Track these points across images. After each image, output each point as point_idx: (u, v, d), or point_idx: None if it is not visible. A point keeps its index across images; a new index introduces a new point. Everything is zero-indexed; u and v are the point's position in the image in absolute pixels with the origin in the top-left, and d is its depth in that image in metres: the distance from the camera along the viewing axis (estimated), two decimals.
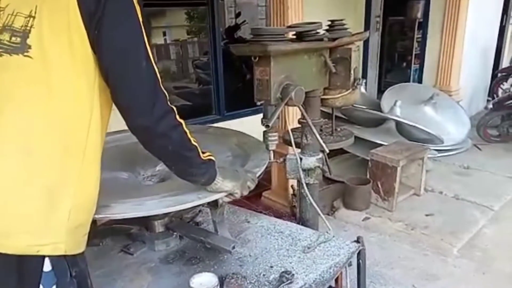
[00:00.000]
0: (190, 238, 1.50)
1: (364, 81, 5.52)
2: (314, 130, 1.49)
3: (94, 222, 1.60)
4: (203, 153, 1.13)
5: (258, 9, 7.15)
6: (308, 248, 1.46)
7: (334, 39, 1.50)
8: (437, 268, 2.32)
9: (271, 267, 1.37)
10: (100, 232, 1.55)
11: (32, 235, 0.91)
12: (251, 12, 7.07)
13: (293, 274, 1.30)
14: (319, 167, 1.65)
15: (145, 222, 1.52)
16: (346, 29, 1.66)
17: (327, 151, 1.57)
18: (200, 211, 1.72)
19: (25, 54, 0.92)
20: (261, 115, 1.47)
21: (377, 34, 5.71)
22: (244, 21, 6.27)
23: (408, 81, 6.20)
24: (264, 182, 3.45)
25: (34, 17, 0.93)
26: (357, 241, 1.85)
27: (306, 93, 1.59)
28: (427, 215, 2.83)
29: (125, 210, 1.16)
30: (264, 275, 1.32)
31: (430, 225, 2.71)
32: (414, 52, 6.56)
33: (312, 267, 1.36)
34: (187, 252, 1.47)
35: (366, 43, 5.68)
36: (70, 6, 0.90)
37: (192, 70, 5.92)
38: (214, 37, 4.41)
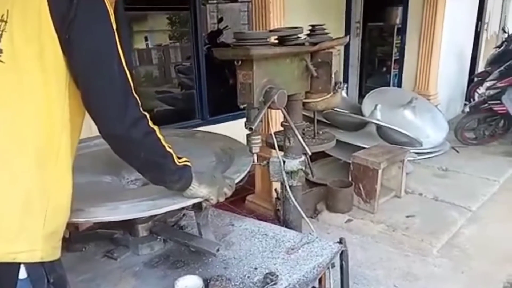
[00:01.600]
0: (174, 242, 1.51)
1: (346, 85, 5.59)
2: (297, 133, 1.51)
3: (76, 227, 1.60)
4: (179, 158, 1.13)
5: (240, 15, 7.19)
6: (292, 249, 1.48)
7: (315, 44, 1.53)
8: (417, 268, 2.37)
9: (256, 268, 1.38)
10: (83, 237, 1.54)
11: (8, 242, 0.90)
12: (233, 18, 7.11)
13: (277, 275, 1.32)
14: (302, 169, 1.68)
15: (129, 226, 1.52)
16: (326, 33, 1.69)
17: (310, 153, 1.59)
18: (184, 214, 1.72)
19: None
20: (244, 120, 1.49)
21: (357, 40, 5.81)
22: (227, 26, 6.29)
23: (388, 85, 6.32)
24: (247, 186, 3.46)
25: (5, 22, 0.92)
26: (340, 242, 1.89)
27: (288, 96, 1.62)
28: (407, 217, 2.89)
29: (99, 214, 1.16)
30: (248, 277, 1.33)
31: (411, 226, 2.76)
32: (393, 58, 6.71)
33: (296, 268, 1.38)
34: (172, 256, 1.47)
35: (347, 48, 5.77)
36: (42, 10, 0.90)
37: (174, 75, 5.89)
38: (197, 42, 4.41)
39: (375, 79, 7.01)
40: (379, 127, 3.86)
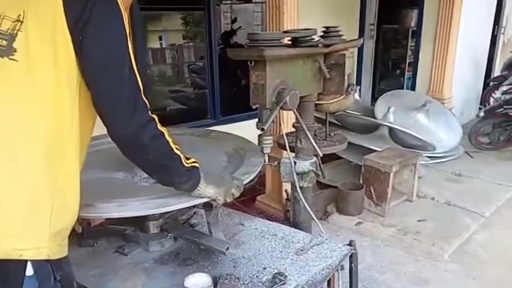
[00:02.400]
0: (184, 239, 1.52)
1: (358, 87, 5.57)
2: (308, 134, 1.52)
3: (88, 223, 1.63)
4: (188, 159, 1.14)
5: (254, 15, 7.20)
6: (301, 250, 1.48)
7: (328, 45, 1.54)
8: (428, 273, 2.35)
9: (264, 268, 1.38)
10: (95, 232, 1.57)
11: (15, 239, 0.92)
12: (247, 18, 7.12)
13: (286, 276, 1.32)
14: (312, 171, 1.68)
15: (140, 223, 1.53)
16: (340, 35, 1.69)
17: (321, 155, 1.59)
18: (195, 213, 1.73)
19: (11, 57, 0.93)
20: (255, 120, 1.50)
21: (371, 42, 5.78)
22: (240, 26, 6.32)
23: (402, 88, 6.28)
24: (258, 186, 3.47)
25: (21, 22, 0.94)
26: (349, 244, 1.88)
27: (300, 98, 1.63)
28: (419, 221, 2.86)
29: (107, 210, 1.18)
30: (257, 276, 1.34)
31: (422, 230, 2.74)
32: (407, 60, 6.65)
33: (305, 269, 1.38)
34: (182, 253, 1.48)
35: (360, 50, 5.74)
36: (57, 11, 0.92)
37: (187, 75, 5.93)
38: (210, 42, 4.44)
39: (389, 82, 6.97)
40: (391, 130, 3.83)
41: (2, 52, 0.93)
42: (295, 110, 1.47)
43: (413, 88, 5.39)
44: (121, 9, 0.97)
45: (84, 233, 1.54)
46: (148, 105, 1.01)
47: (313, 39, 1.54)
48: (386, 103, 4.30)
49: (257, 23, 7.03)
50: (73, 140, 0.99)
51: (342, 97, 1.66)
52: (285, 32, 1.47)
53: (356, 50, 5.76)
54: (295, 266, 1.39)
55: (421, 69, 5.16)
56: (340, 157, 3.86)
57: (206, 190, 1.19)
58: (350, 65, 1.67)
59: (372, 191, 2.96)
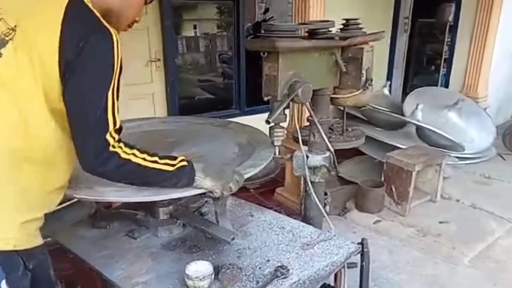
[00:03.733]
0: (192, 227, 1.54)
1: (389, 83, 5.42)
2: (320, 128, 1.49)
3: (106, 206, 1.67)
4: (174, 159, 1.17)
5: (288, 6, 7.13)
6: (307, 245, 1.47)
7: (345, 38, 1.50)
8: (445, 277, 2.28)
9: (268, 261, 1.38)
10: (108, 215, 1.61)
11: None
12: (281, 9, 7.06)
13: (288, 269, 1.31)
14: (324, 165, 1.66)
15: (150, 208, 1.57)
16: (360, 28, 1.65)
17: (332, 150, 1.56)
18: (206, 201, 1.75)
19: None
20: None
21: (405, 36, 5.60)
22: (272, 17, 6.27)
23: (436, 85, 6.06)
24: (278, 178, 3.46)
25: (15, 32, 0.99)
26: (361, 242, 1.85)
27: (314, 91, 1.60)
28: (440, 222, 2.77)
29: (103, 195, 1.22)
30: (260, 268, 1.34)
31: (443, 232, 2.65)
32: (443, 56, 6.41)
33: (309, 264, 1.36)
34: (189, 240, 1.50)
35: (392, 44, 5.58)
36: (52, 44, 0.96)
37: (219, 64, 5.97)
38: (238, 32, 4.45)
39: (423, 78, 6.74)
40: (419, 128, 3.71)
41: None
42: (307, 103, 1.45)
43: (446, 85, 5.19)
44: (114, 42, 1.00)
45: (97, 215, 1.60)
46: (116, 137, 1.05)
47: (330, 31, 1.50)
48: (416, 99, 4.17)
49: (290, 13, 6.96)
50: (44, 144, 1.04)
51: (359, 92, 1.62)
52: (301, 23, 1.43)
53: (388, 44, 5.62)
54: (299, 260, 1.38)
55: (455, 66, 4.95)
56: (364, 153, 3.79)
57: (203, 182, 1.21)
58: (369, 59, 1.62)
59: (393, 189, 2.89)
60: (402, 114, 4.12)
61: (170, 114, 4.17)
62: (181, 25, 5.61)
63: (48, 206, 1.11)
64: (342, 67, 1.53)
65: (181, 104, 4.46)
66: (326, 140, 1.52)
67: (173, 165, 1.15)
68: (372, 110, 4.02)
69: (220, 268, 1.30)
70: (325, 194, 3.02)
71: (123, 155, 1.06)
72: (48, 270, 1.10)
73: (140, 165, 1.09)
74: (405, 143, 3.36)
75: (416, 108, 3.74)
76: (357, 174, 3.69)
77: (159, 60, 4.04)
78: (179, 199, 1.60)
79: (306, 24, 1.43)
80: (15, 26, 0.99)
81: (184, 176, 1.18)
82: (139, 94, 4.06)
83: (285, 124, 1.54)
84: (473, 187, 3.37)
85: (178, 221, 1.56)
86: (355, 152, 3.89)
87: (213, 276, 1.24)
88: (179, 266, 1.35)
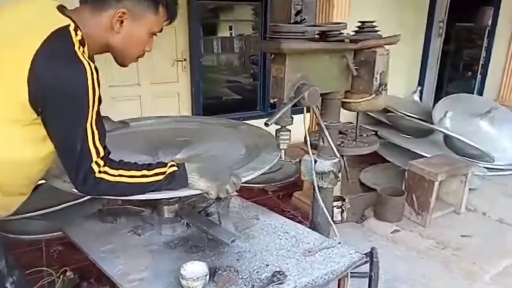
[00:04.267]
0: (195, 227, 1.54)
1: (419, 88, 5.26)
2: (326, 133, 1.46)
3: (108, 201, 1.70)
4: (164, 166, 1.18)
5: None
6: (309, 251, 1.44)
7: (357, 41, 1.45)
8: None
9: (267, 265, 1.36)
10: (114, 211, 1.64)
11: None
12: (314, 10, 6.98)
13: (285, 275, 1.29)
14: (333, 171, 1.62)
15: (156, 206, 1.58)
16: (376, 31, 1.60)
17: (338, 156, 1.52)
18: (214, 202, 1.74)
19: None
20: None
21: (439, 40, 5.40)
22: (304, 19, 6.22)
23: (472, 92, 5.82)
24: (298, 182, 3.42)
25: None
26: (370, 252, 1.79)
27: (324, 94, 1.57)
28: (463, 236, 2.65)
29: None
30: (257, 272, 1.32)
31: (464, 246, 2.53)
32: (481, 62, 6.14)
33: (308, 271, 1.33)
34: (191, 240, 1.50)
35: (426, 49, 5.41)
36: (21, 76, 1.00)
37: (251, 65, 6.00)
38: (265, 33, 4.44)
39: (458, 84, 6.49)
40: (446, 136, 3.57)
41: None
42: (314, 107, 1.42)
43: (481, 92, 4.97)
44: (88, 75, 1.03)
45: (104, 210, 1.63)
46: (101, 164, 1.10)
47: (341, 33, 1.47)
48: (447, 107, 4.02)
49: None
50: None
51: (372, 96, 1.57)
52: (310, 25, 1.41)
53: (421, 48, 5.45)
54: (299, 267, 1.35)
55: (491, 72, 4.73)
56: (388, 161, 3.69)
57: (198, 183, 1.20)
58: (384, 64, 1.57)
59: (414, 199, 2.79)
60: (431, 121, 3.99)
61: (194, 114, 4.23)
62: (218, 26, 5.67)
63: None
64: (353, 71, 1.49)
65: (207, 104, 4.50)
66: (332, 145, 1.48)
67: (163, 173, 1.17)
68: (398, 116, 3.91)
69: (217, 270, 1.29)
70: (343, 200, 2.96)
71: (110, 178, 1.11)
72: None
73: (129, 183, 1.13)
74: (430, 152, 3.24)
75: (445, 115, 3.61)
76: (380, 181, 3.60)
77: (185, 60, 4.10)
78: (187, 198, 1.61)
79: (315, 26, 1.40)
80: None
81: (175, 181, 1.18)
82: (165, 93, 4.14)
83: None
84: (503, 200, 3.20)
85: (182, 220, 1.56)
86: (381, 159, 3.80)
87: (207, 277, 1.23)
88: (178, 265, 1.34)
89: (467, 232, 2.69)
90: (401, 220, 2.82)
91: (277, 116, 1.31)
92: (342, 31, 1.48)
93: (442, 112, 3.76)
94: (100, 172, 1.09)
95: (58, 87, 1.02)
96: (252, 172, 1.33)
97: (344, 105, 1.63)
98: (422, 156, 3.14)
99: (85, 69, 1.03)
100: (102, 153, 1.09)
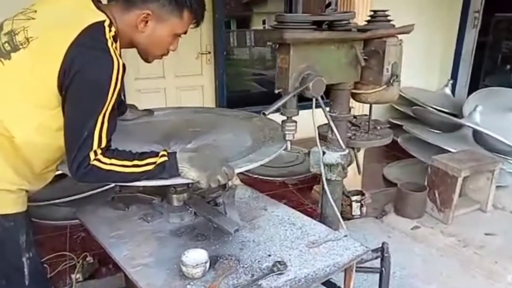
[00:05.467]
0: (201, 216, 1.56)
1: (451, 81, 5.06)
2: (332, 125, 1.44)
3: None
4: (156, 156, 1.21)
5: None
6: (313, 243, 1.43)
7: (365, 30, 1.42)
8: None
9: (269, 255, 1.36)
10: (125, 198, 1.69)
11: None
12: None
13: (286, 266, 1.29)
14: (341, 164, 1.59)
15: (165, 194, 1.62)
16: (389, 21, 1.56)
17: (344, 147, 1.50)
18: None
19: (2, 59, 1.13)
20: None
21: (473, 32, 5.17)
22: (335, 10, 6.11)
23: (511, 86, 5.55)
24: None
25: (29, 42, 1.11)
26: (381, 247, 1.76)
27: (332, 85, 1.55)
28: (486, 234, 2.54)
29: None
30: (259, 261, 1.33)
31: (487, 245, 2.43)
32: None
33: (310, 262, 1.33)
34: (197, 229, 1.53)
35: (459, 41, 5.19)
36: (56, 60, 1.08)
37: None
38: None
39: (496, 78, 6.19)
40: (475, 131, 3.43)
41: (2, 53, 1.13)
42: (319, 98, 1.40)
43: None
44: (114, 70, 1.10)
45: (115, 198, 1.69)
46: (92, 155, 1.13)
47: (349, 23, 1.44)
48: (477, 101, 3.86)
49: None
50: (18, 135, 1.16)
51: (382, 88, 1.54)
52: (315, 14, 1.38)
53: (454, 40, 5.23)
54: (301, 258, 1.35)
55: None
56: (414, 156, 3.59)
57: (189, 173, 1.22)
58: (396, 54, 1.53)
59: (437, 195, 2.70)
60: (462, 115, 3.84)
61: (218, 106, 4.26)
62: (251, 19, 5.68)
63: (21, 184, 1.22)
64: (361, 61, 1.45)
65: (231, 96, 4.52)
66: (338, 136, 1.46)
67: (154, 163, 1.19)
68: (424, 110, 3.79)
69: (218, 258, 1.32)
70: (363, 194, 2.92)
71: (102, 166, 1.14)
72: (16, 236, 1.23)
73: (120, 172, 1.17)
74: (458, 147, 3.13)
75: (474, 109, 3.46)
76: (405, 177, 3.52)
77: (209, 53, 4.14)
78: (197, 187, 1.63)
79: (321, 15, 1.38)
80: (33, 37, 1.12)
81: (165, 171, 1.21)
82: (189, 86, 4.20)
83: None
84: None
85: (190, 209, 1.59)
86: (407, 154, 3.71)
87: (207, 264, 1.25)
88: (181, 252, 1.37)
89: (491, 231, 2.58)
90: (422, 217, 2.74)
91: (275, 106, 1.31)
92: (351, 21, 1.45)
93: (472, 106, 3.61)
94: (94, 159, 1.13)
95: (84, 73, 1.08)
96: (249, 164, 1.32)
97: (354, 96, 1.61)
98: (449, 151, 3.03)
99: (113, 63, 1.10)
100: (103, 145, 1.14)
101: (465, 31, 5.16)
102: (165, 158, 1.20)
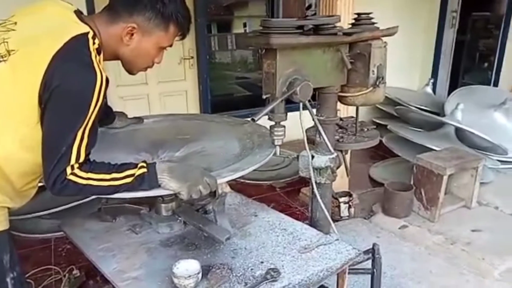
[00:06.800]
0: (191, 225, 1.54)
1: (432, 80, 5.15)
2: (320, 128, 1.44)
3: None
4: (135, 167, 1.17)
5: None
6: (305, 248, 1.42)
7: (350, 34, 1.42)
8: None
9: (262, 262, 1.35)
10: (112, 209, 1.65)
11: None
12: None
13: (279, 273, 1.28)
14: (330, 167, 1.59)
15: (153, 204, 1.59)
16: (372, 23, 1.56)
17: (332, 151, 1.50)
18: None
19: None
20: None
21: (452, 31, 5.27)
22: (314, 13, 6.15)
23: (489, 83, 5.68)
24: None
25: (10, 55, 1.09)
26: (372, 248, 1.77)
27: (320, 89, 1.55)
28: (473, 231, 2.59)
29: None
30: (252, 269, 1.31)
31: (474, 241, 2.47)
32: (497, 52, 5.98)
33: (303, 268, 1.32)
34: (188, 238, 1.50)
35: (438, 40, 5.29)
36: (38, 73, 1.04)
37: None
38: None
39: (474, 76, 6.33)
40: (458, 129, 3.49)
41: None
42: (307, 102, 1.39)
43: (496, 83, 4.84)
44: (97, 83, 1.07)
45: (102, 209, 1.65)
46: (68, 169, 1.10)
47: (335, 27, 1.44)
48: (458, 99, 3.94)
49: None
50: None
51: (369, 90, 1.54)
52: (300, 18, 1.38)
53: (433, 39, 5.32)
54: (294, 264, 1.34)
55: (506, 62, 4.61)
56: (399, 155, 3.63)
57: (169, 184, 1.19)
58: (381, 56, 1.53)
59: (423, 193, 2.73)
60: (444, 114, 3.91)
61: (202, 111, 4.24)
62: (231, 23, 5.66)
63: (2, 201, 1.18)
64: (347, 64, 1.45)
65: (215, 101, 4.50)
66: (326, 140, 1.45)
67: (132, 175, 1.16)
68: (407, 109, 3.85)
69: (210, 268, 1.29)
70: (351, 195, 2.93)
71: (79, 181, 1.11)
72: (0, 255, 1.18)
73: (97, 186, 1.13)
74: (441, 145, 3.17)
75: (456, 107, 3.52)
76: (390, 176, 3.55)
77: (192, 57, 4.11)
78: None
79: (306, 19, 1.37)
80: (14, 50, 1.09)
81: (145, 183, 1.18)
82: (172, 91, 4.16)
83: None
84: None
85: (179, 218, 1.57)
86: (392, 154, 3.74)
87: (200, 275, 1.23)
88: (172, 263, 1.34)
89: (477, 227, 2.63)
90: (410, 216, 2.77)
91: (264, 112, 1.29)
92: (336, 24, 1.45)
93: (453, 105, 3.68)
94: (70, 174, 1.10)
95: (65, 86, 1.05)
96: (233, 174, 1.29)
97: (341, 99, 1.60)
98: (433, 150, 3.08)
99: (96, 77, 1.07)
100: (81, 159, 1.10)
101: (443, 31, 5.26)
102: (144, 170, 1.17)
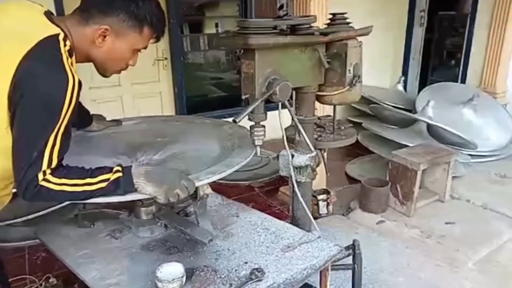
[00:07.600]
0: (172, 228, 1.52)
1: (403, 78, 5.29)
2: (300, 128, 1.45)
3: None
4: (110, 171, 1.14)
5: None
6: (288, 247, 1.43)
7: (326, 34, 1.44)
8: (446, 280, 2.19)
9: (246, 263, 1.35)
10: (90, 215, 1.61)
11: None
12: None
13: (264, 272, 1.28)
14: (310, 165, 1.61)
15: (133, 208, 1.56)
16: (347, 23, 1.59)
17: (312, 150, 1.52)
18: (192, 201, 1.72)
19: None
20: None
21: (421, 30, 5.42)
22: (287, 13, 6.18)
23: (456, 80, 5.88)
24: (284, 177, 3.41)
25: None
26: (352, 244, 1.80)
27: (298, 89, 1.56)
28: (447, 223, 2.67)
29: None
30: (236, 270, 1.31)
31: (448, 234, 2.55)
32: (464, 50, 6.19)
33: (287, 266, 1.33)
34: (169, 241, 1.48)
35: (408, 39, 5.43)
36: (5, 81, 1.01)
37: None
38: None
39: (442, 73, 6.53)
40: (430, 125, 3.60)
41: None
42: (286, 102, 1.40)
43: (463, 80, 5.01)
44: (69, 86, 1.04)
45: (79, 215, 1.61)
46: (45, 173, 1.06)
47: (311, 27, 1.45)
48: (429, 96, 4.05)
49: None
50: None
51: (346, 89, 1.57)
52: (278, 18, 1.39)
53: (403, 38, 5.47)
54: (278, 263, 1.35)
55: (473, 60, 4.78)
56: (374, 152, 3.70)
57: (145, 188, 1.17)
58: (356, 55, 1.56)
59: (398, 189, 2.80)
60: (415, 111, 4.01)
61: (178, 112, 4.19)
62: (203, 23, 5.62)
63: None
64: (324, 64, 1.47)
65: (190, 102, 4.47)
66: (307, 139, 1.47)
67: (107, 180, 1.13)
68: (381, 107, 3.93)
69: (194, 270, 1.28)
70: (328, 193, 2.97)
71: (52, 187, 1.07)
72: None
73: (71, 191, 1.10)
74: (414, 141, 3.26)
75: (427, 104, 3.62)
76: (366, 173, 3.62)
77: (166, 59, 4.06)
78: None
79: (282, 19, 1.38)
80: None
81: (120, 187, 1.15)
82: (146, 93, 4.10)
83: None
84: (486, 186, 3.23)
85: (160, 222, 1.55)
86: (367, 151, 3.82)
87: (184, 278, 1.22)
88: (155, 267, 1.32)
89: (451, 220, 2.71)
90: (386, 211, 2.83)
91: (246, 113, 1.30)
92: (312, 25, 1.47)
93: (424, 101, 3.78)
94: (42, 180, 1.06)
95: (36, 90, 1.02)
96: (211, 176, 1.28)
97: (318, 98, 1.63)
98: (406, 146, 3.16)
99: (68, 80, 1.04)
100: (53, 165, 1.07)
101: (413, 29, 5.40)
102: (119, 174, 1.14)
